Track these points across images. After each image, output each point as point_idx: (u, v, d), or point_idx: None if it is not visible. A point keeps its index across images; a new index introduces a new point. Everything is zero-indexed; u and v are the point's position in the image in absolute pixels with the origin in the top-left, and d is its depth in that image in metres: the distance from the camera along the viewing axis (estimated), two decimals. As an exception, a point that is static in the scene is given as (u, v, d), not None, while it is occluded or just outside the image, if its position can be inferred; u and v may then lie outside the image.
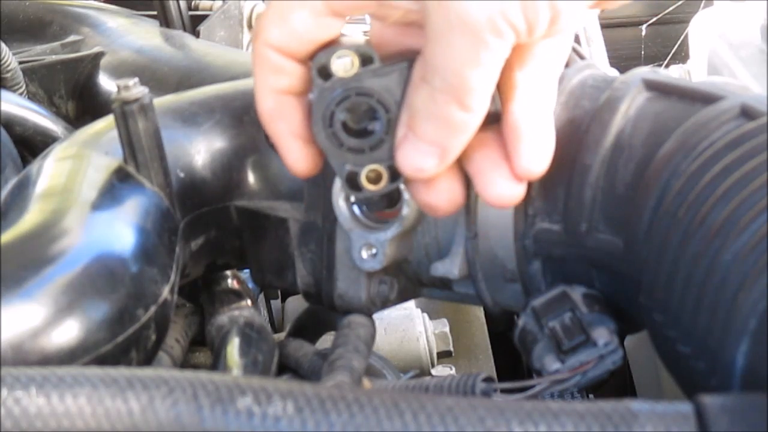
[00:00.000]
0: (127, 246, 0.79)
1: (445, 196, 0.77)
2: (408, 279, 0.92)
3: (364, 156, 0.76)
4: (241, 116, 0.95)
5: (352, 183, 0.76)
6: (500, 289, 0.87)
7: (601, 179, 0.80)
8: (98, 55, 1.43)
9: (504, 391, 0.80)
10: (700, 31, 2.05)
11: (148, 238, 0.82)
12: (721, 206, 0.69)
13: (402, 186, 0.82)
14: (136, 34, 1.48)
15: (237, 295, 0.95)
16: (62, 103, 1.44)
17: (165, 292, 0.80)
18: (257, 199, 0.94)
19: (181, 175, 0.91)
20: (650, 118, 0.80)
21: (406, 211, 0.85)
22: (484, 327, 1.23)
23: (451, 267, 0.86)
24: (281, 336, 0.98)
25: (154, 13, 1.55)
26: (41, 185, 0.83)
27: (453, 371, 1.08)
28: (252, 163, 0.95)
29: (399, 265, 0.91)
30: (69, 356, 0.70)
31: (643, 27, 2.55)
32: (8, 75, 1.31)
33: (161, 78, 1.32)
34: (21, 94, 1.33)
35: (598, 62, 2.10)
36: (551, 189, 0.82)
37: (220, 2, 1.64)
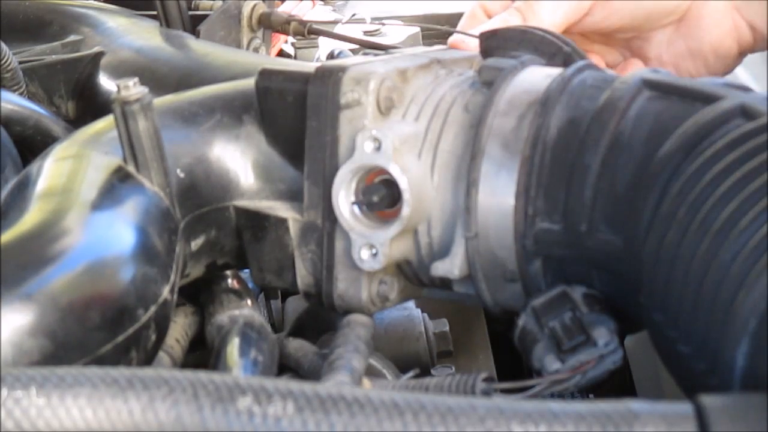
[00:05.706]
0: (127, 246, 0.79)
1: None
2: (408, 279, 0.92)
3: None
4: (241, 116, 0.95)
5: None
6: (500, 289, 0.87)
7: (601, 179, 0.80)
8: (98, 55, 1.43)
9: (504, 391, 0.80)
10: (699, 31, 2.05)
11: (148, 238, 0.82)
12: (721, 206, 0.69)
13: (402, 186, 0.81)
14: (136, 34, 1.48)
15: (237, 295, 0.94)
16: (62, 103, 1.43)
17: (165, 292, 0.80)
18: (257, 199, 0.94)
19: (181, 175, 0.91)
20: (650, 118, 0.80)
21: (406, 211, 0.85)
22: (484, 327, 1.23)
23: (451, 267, 0.86)
24: (281, 336, 0.98)
25: (154, 13, 1.55)
26: (41, 185, 0.83)
27: (453, 371, 1.08)
28: (252, 163, 0.94)
29: (399, 265, 0.91)
30: (69, 356, 0.70)
31: (643, 27, 2.55)
32: (8, 75, 1.30)
33: (161, 78, 1.32)
34: (21, 94, 1.33)
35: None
36: (551, 189, 0.82)
37: (220, 2, 1.64)
